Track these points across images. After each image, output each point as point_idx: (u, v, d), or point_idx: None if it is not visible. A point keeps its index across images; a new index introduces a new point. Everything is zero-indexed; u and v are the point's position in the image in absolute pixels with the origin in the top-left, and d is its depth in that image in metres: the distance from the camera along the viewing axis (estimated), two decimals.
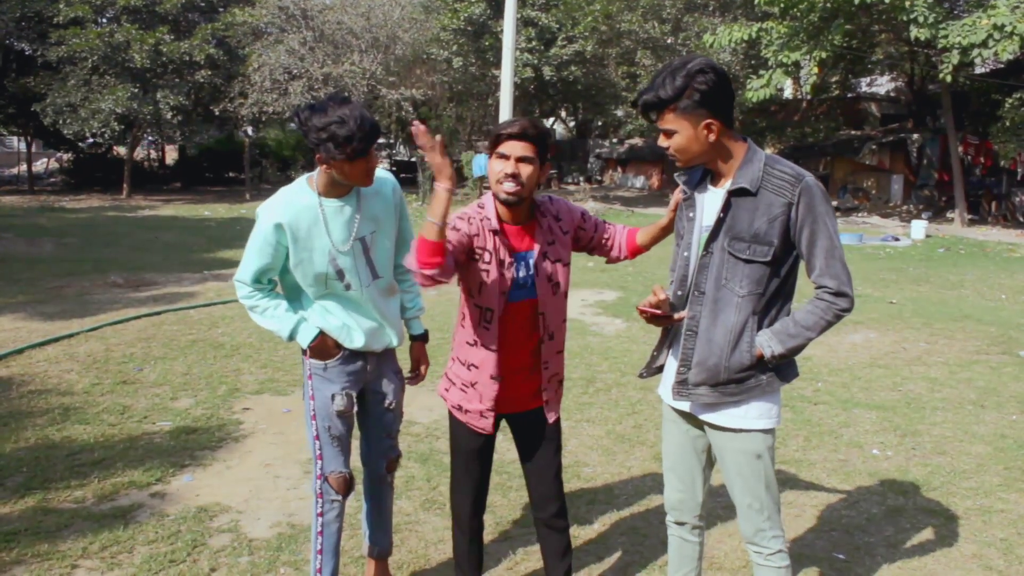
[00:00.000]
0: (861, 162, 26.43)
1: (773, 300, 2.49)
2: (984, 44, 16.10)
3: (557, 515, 2.97)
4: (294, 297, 3.01)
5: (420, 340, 3.29)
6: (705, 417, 2.59)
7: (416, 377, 3.33)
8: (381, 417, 3.18)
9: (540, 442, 2.93)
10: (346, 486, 3.07)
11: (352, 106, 2.69)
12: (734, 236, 2.43)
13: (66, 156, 34.32)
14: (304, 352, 3.00)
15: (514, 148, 2.63)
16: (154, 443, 4.84)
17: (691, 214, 2.59)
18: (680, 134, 2.42)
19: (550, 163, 2.76)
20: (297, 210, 2.82)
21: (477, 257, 2.71)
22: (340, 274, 2.90)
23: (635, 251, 3.02)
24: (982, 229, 20.25)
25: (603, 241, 2.99)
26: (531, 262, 2.76)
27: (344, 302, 2.97)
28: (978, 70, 22.10)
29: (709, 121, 2.38)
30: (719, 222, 2.46)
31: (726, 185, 2.47)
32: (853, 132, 28.40)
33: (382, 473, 3.24)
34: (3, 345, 6.94)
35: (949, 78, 17.44)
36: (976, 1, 17.25)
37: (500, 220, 2.74)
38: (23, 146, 32.84)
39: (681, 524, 2.84)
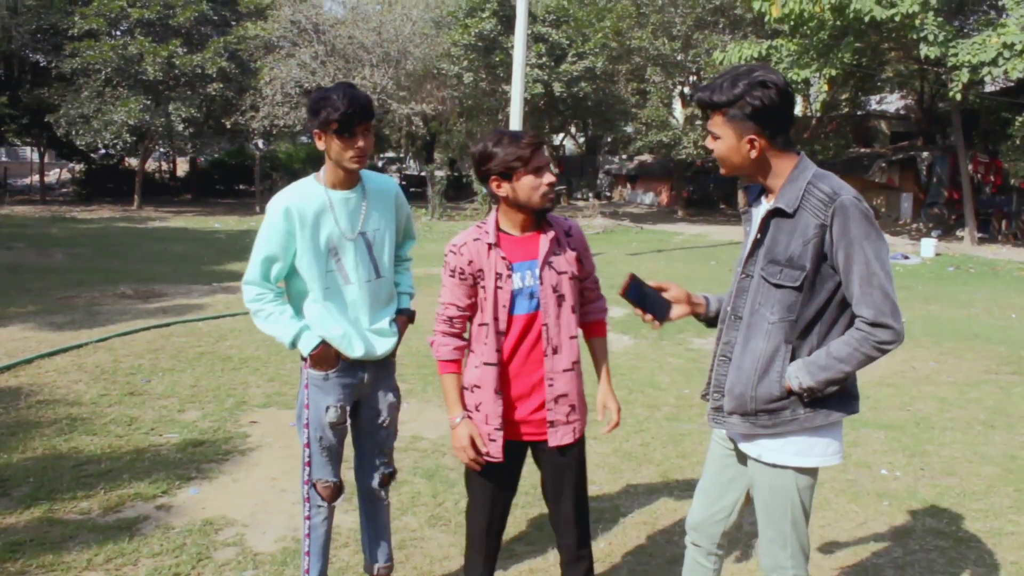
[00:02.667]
0: (871, 180, 26.37)
1: (810, 328, 2.34)
2: (994, 62, 16.10)
3: (577, 544, 2.95)
4: (298, 307, 3.05)
5: (404, 315, 3.23)
6: (743, 447, 2.49)
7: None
8: (375, 434, 3.18)
9: (558, 470, 2.89)
10: (333, 494, 3.13)
11: (353, 89, 2.85)
12: (771, 259, 2.33)
13: (78, 167, 34.57)
14: (304, 360, 3.04)
15: (545, 158, 2.71)
16: (161, 455, 4.84)
17: (747, 228, 2.51)
18: (723, 141, 2.34)
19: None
20: (304, 196, 2.94)
21: (477, 280, 2.76)
22: (340, 265, 2.98)
23: (581, 326, 2.92)
24: (992, 248, 20.17)
25: (582, 289, 2.93)
26: (535, 271, 2.75)
27: (343, 305, 3.01)
28: (988, 88, 22.05)
29: (752, 137, 2.29)
30: (756, 243, 2.37)
31: (770, 203, 2.37)
32: (863, 150, 28.39)
33: (375, 489, 3.24)
34: (12, 355, 6.97)
35: (959, 96, 17.43)
36: (986, 19, 17.28)
37: (501, 231, 2.77)
38: (36, 156, 33.11)
39: (697, 546, 2.72)
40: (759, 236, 2.37)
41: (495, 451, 2.79)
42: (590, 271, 2.94)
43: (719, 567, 2.74)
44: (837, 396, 2.36)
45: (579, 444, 2.91)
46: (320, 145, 2.89)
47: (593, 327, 3.00)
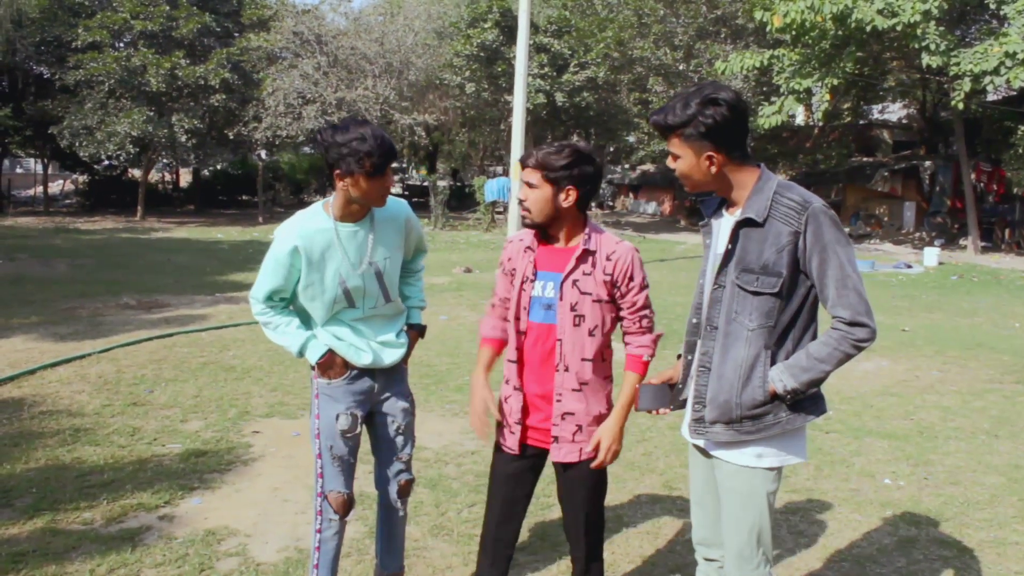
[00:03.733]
0: (873, 189, 26.41)
1: (787, 333, 2.39)
2: (996, 71, 16.14)
3: (586, 557, 2.96)
4: (304, 318, 3.08)
5: (415, 330, 3.27)
6: (717, 453, 2.50)
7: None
8: (391, 440, 3.19)
9: (566, 483, 2.89)
10: (345, 506, 3.10)
11: (372, 126, 2.84)
12: (743, 268, 2.37)
13: (81, 178, 34.69)
14: (313, 369, 3.05)
15: (524, 175, 2.73)
16: (163, 465, 4.84)
17: (707, 241, 2.56)
18: (683, 160, 2.40)
19: (575, 187, 2.71)
20: (312, 233, 2.91)
21: (512, 276, 2.86)
22: (348, 297, 2.99)
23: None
24: (995, 256, 20.16)
25: (619, 319, 2.86)
26: (557, 284, 2.76)
27: (349, 325, 3.04)
28: (990, 97, 22.10)
29: (710, 154, 2.35)
30: (728, 254, 2.41)
31: (736, 215, 2.42)
32: (865, 159, 28.42)
33: (393, 498, 3.23)
34: (16, 365, 6.98)
35: (961, 105, 17.46)
36: (987, 29, 17.32)
37: (539, 239, 2.84)
38: (40, 168, 33.23)
39: (710, 560, 2.70)
40: (730, 247, 2.40)
41: (512, 444, 2.85)
42: (633, 302, 2.81)
43: None
44: (810, 399, 2.43)
45: (588, 463, 2.83)
46: (343, 187, 2.84)
47: (627, 361, 2.90)
